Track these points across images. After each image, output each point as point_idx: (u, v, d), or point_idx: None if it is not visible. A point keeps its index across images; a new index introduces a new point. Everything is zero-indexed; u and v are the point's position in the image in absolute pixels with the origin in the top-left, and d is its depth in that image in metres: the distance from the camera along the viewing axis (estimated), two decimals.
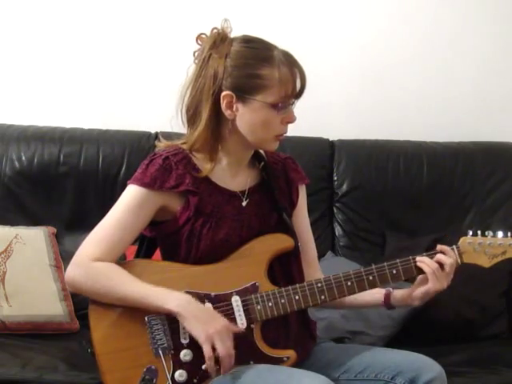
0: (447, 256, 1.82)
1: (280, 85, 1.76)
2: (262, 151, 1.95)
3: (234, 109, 1.79)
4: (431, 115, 3.16)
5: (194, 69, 1.83)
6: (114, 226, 1.80)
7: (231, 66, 1.78)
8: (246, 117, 1.79)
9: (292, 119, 1.81)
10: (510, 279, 2.75)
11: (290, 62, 1.79)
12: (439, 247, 1.85)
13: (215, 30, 1.82)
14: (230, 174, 1.88)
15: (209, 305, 1.77)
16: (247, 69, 1.77)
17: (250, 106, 1.78)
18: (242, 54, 1.79)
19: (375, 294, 1.91)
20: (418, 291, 1.84)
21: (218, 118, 1.81)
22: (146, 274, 1.80)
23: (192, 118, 1.84)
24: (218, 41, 1.81)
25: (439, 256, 1.83)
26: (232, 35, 1.83)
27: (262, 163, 1.92)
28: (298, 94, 1.81)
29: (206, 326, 1.69)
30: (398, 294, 1.89)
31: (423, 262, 1.82)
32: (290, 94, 1.78)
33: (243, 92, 1.77)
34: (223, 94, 1.78)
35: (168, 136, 1.93)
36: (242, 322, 1.78)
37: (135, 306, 1.74)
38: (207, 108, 1.79)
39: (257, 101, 1.77)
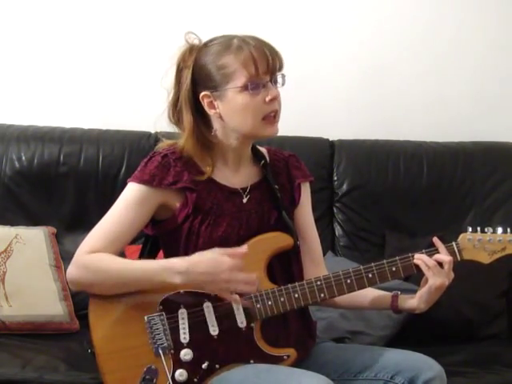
0: (445, 254, 1.82)
1: (242, 67, 1.77)
2: (263, 149, 1.96)
3: (216, 107, 1.81)
4: (431, 115, 3.16)
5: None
6: (112, 223, 1.81)
7: (198, 68, 1.81)
8: (227, 109, 1.80)
9: (273, 94, 1.80)
10: (510, 279, 2.75)
11: (250, 43, 1.79)
12: (436, 242, 1.84)
13: (182, 47, 1.86)
14: (232, 171, 1.89)
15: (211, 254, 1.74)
16: (211, 65, 1.80)
17: (226, 97, 1.80)
18: (204, 55, 1.82)
19: (383, 298, 1.91)
20: (422, 292, 1.83)
21: (203, 121, 1.84)
22: None
23: (178, 124, 1.87)
24: (187, 54, 1.84)
25: (437, 255, 1.83)
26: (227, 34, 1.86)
27: (263, 160, 1.92)
28: (272, 70, 1.80)
29: (213, 283, 1.71)
30: (405, 297, 1.88)
31: (421, 259, 1.82)
32: (256, 72, 1.78)
33: (215, 87, 1.80)
34: (200, 95, 1.82)
35: (168, 136, 1.94)
36: (241, 321, 1.78)
37: (139, 287, 1.75)
38: (188, 115, 1.83)
39: (229, 89, 1.79)
